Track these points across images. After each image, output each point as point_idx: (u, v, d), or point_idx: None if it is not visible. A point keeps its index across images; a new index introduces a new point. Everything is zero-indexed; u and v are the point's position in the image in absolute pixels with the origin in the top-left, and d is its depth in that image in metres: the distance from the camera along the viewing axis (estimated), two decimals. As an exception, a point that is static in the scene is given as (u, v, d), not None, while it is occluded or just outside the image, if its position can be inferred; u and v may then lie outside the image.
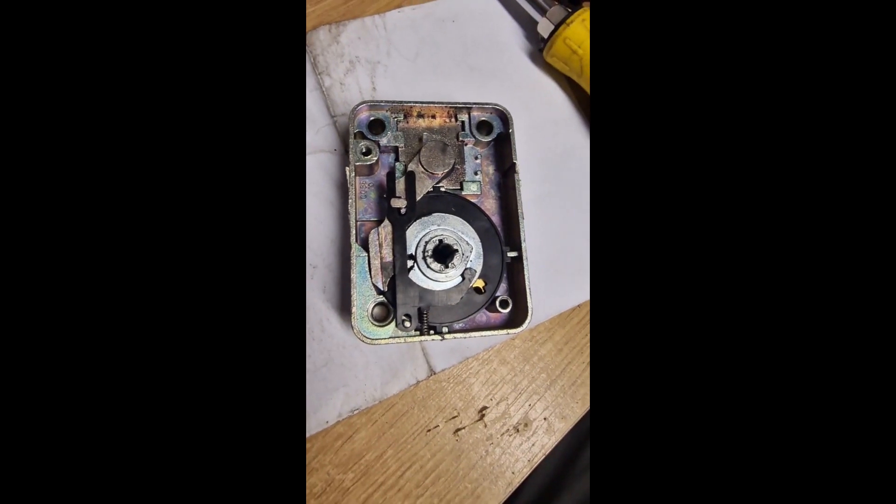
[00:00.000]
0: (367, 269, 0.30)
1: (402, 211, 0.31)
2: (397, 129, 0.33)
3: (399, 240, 0.30)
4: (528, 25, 0.41)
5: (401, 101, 0.33)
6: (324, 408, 0.32)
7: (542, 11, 0.39)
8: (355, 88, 0.37)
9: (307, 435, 0.31)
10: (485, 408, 0.34)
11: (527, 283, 0.31)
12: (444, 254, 0.31)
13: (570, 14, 0.37)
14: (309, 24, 0.38)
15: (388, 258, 0.30)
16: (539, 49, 0.40)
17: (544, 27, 0.38)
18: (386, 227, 0.31)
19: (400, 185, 0.31)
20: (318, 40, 0.37)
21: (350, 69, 0.37)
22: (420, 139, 0.33)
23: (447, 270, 0.31)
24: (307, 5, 0.38)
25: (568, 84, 0.41)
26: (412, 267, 0.31)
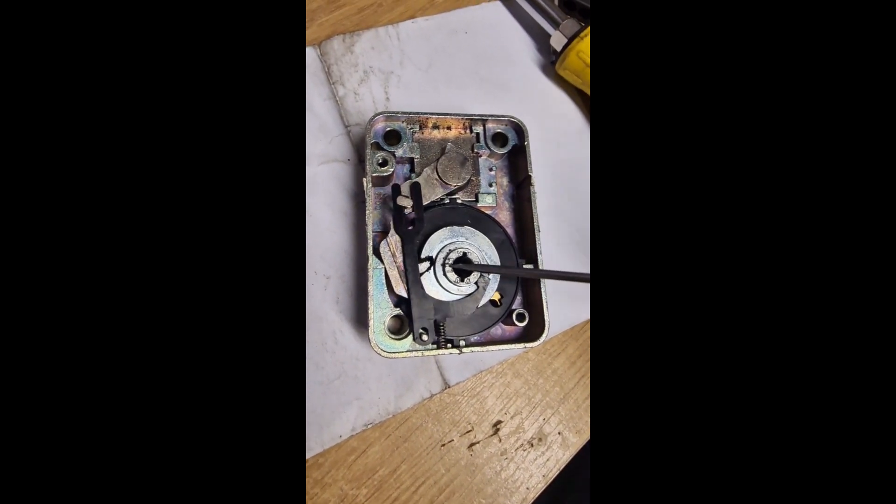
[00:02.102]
0: (384, 280, 0.30)
1: (407, 210, 0.30)
2: (413, 140, 0.33)
3: (410, 253, 0.30)
4: (540, 38, 0.42)
5: (417, 113, 0.33)
6: (337, 421, 0.31)
7: (555, 24, 0.39)
8: (369, 98, 0.37)
9: (320, 449, 0.31)
10: (499, 422, 0.33)
11: (543, 295, 0.31)
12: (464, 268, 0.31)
13: (583, 28, 0.37)
14: (323, 33, 0.38)
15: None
16: (552, 62, 0.40)
17: (557, 40, 0.38)
18: (394, 236, 0.30)
19: (405, 188, 0.31)
20: (332, 50, 0.37)
21: (364, 79, 0.37)
22: (443, 149, 0.33)
23: (461, 284, 0.30)
24: (321, 15, 0.38)
25: (580, 97, 0.41)
26: (428, 269, 0.30)
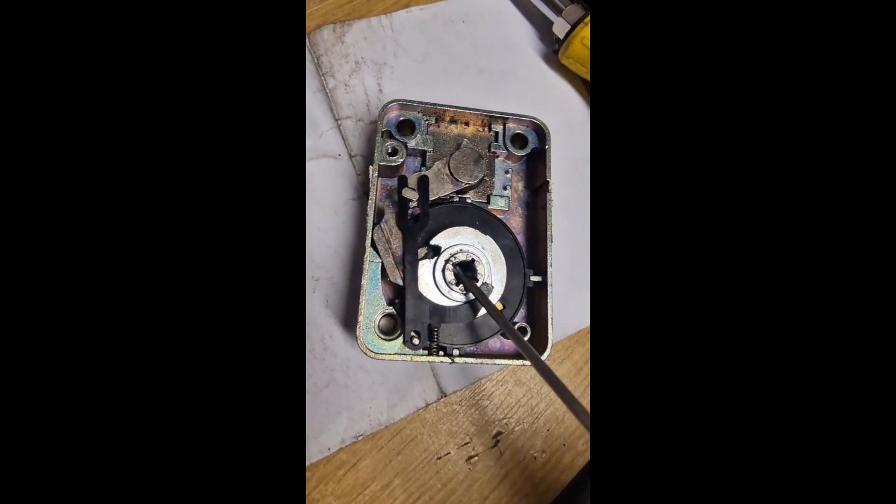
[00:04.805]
0: (380, 277, 0.28)
1: (412, 204, 0.29)
2: (427, 132, 0.31)
3: (411, 249, 0.28)
4: (542, 26, 0.39)
5: (435, 104, 0.31)
6: (325, 433, 0.29)
7: (558, 11, 0.37)
8: (361, 90, 0.35)
9: (307, 463, 0.29)
10: (499, 433, 0.31)
11: (549, 311, 0.28)
12: (465, 270, 0.29)
13: (587, 14, 0.35)
14: (312, 23, 0.36)
15: (399, 251, 0.28)
16: (554, 50, 0.38)
17: (560, 27, 0.36)
18: (388, 222, 0.29)
19: (412, 180, 0.29)
20: (322, 40, 0.36)
21: (355, 70, 0.35)
22: (458, 144, 0.31)
23: (457, 290, 0.28)
24: (311, 4, 0.37)
25: (584, 86, 0.39)
26: (428, 256, 0.29)
